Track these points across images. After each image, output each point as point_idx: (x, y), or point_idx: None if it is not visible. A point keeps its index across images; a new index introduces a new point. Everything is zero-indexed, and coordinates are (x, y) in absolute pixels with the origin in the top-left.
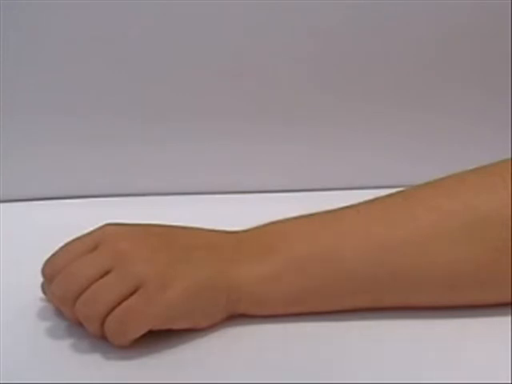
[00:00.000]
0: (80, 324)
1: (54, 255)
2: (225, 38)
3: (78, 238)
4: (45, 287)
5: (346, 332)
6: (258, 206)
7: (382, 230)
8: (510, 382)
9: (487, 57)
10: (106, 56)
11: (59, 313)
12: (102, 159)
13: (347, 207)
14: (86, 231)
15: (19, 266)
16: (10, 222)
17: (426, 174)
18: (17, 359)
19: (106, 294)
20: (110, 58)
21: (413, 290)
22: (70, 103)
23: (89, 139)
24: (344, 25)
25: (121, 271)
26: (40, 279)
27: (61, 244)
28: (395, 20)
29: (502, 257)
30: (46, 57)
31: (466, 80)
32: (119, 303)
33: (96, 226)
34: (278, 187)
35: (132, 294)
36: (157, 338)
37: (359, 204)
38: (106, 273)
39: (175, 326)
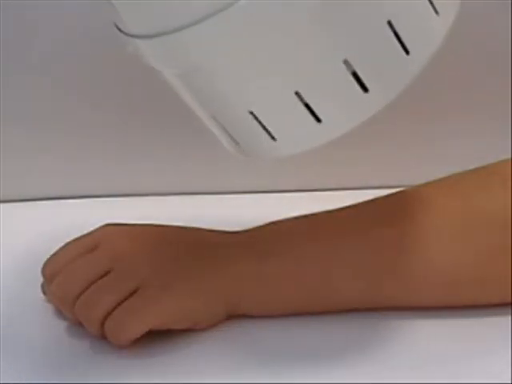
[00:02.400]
0: (80, 324)
1: (53, 255)
2: None
3: (78, 238)
4: (45, 287)
5: (346, 332)
6: (258, 206)
7: (383, 230)
8: (510, 382)
9: (487, 57)
10: (105, 55)
11: (59, 313)
12: (102, 159)
13: (347, 207)
14: (86, 231)
15: (19, 266)
16: (10, 221)
17: (426, 173)
18: (16, 359)
19: (105, 295)
20: (109, 57)
21: (413, 290)
22: (69, 103)
23: (89, 139)
24: None
25: (120, 272)
26: (40, 279)
27: (61, 244)
28: None
29: (502, 257)
30: (44, 59)
31: (466, 80)
32: (119, 303)
33: (96, 226)
34: (278, 187)
35: (132, 294)
36: (157, 338)
37: (359, 204)
38: (106, 273)
39: (175, 326)
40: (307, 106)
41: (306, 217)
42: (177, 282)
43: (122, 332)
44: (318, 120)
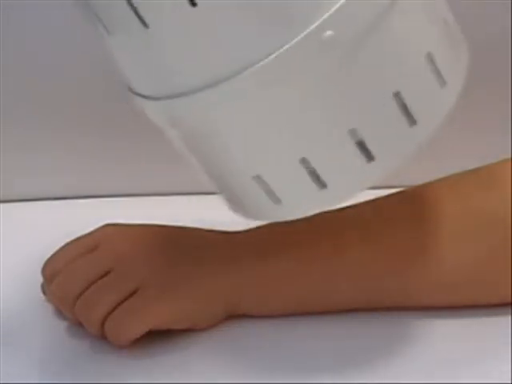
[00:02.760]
0: (80, 324)
1: (53, 255)
2: None
3: (78, 239)
4: (45, 287)
5: (346, 332)
6: None
7: (382, 230)
8: (510, 382)
9: (487, 56)
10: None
11: (59, 313)
12: (102, 159)
13: (347, 207)
14: (86, 231)
15: (19, 266)
16: (10, 222)
17: (426, 174)
18: (17, 359)
19: (105, 295)
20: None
21: (413, 290)
22: (70, 103)
23: (89, 139)
24: None
25: (120, 272)
26: (40, 279)
27: (61, 244)
28: None
29: (502, 257)
30: (45, 59)
31: (466, 80)
32: (119, 304)
33: (96, 226)
34: None
35: (132, 294)
36: (157, 338)
37: (359, 204)
38: (106, 273)
39: (175, 326)
40: (312, 172)
41: (305, 217)
42: (177, 283)
43: (122, 332)
44: (323, 186)
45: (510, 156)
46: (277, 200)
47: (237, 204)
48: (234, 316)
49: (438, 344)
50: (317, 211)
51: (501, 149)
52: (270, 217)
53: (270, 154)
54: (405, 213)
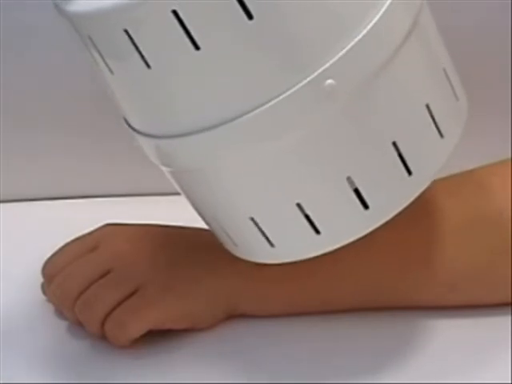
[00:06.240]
0: (80, 324)
1: (53, 255)
2: None
3: (78, 238)
4: (45, 287)
5: (346, 332)
6: None
7: (382, 230)
8: (510, 382)
9: (487, 55)
10: None
11: (59, 313)
12: (101, 159)
13: None
14: (86, 231)
15: (19, 267)
16: (10, 222)
17: None
18: (17, 359)
19: (105, 295)
20: None
21: (413, 291)
22: (70, 102)
23: (89, 139)
24: None
25: (120, 272)
26: (40, 279)
27: (61, 244)
28: None
29: (501, 257)
30: (44, 59)
31: (466, 79)
32: (119, 303)
33: (96, 226)
34: None
35: (131, 294)
36: (157, 338)
37: None
38: (106, 273)
39: (175, 326)
40: (307, 217)
41: None
42: (177, 282)
43: (122, 332)
44: (317, 231)
45: (509, 156)
46: (270, 243)
47: (233, 244)
48: (234, 316)
49: (438, 344)
50: (310, 256)
51: (501, 149)
52: (265, 258)
53: (265, 197)
54: (404, 213)
